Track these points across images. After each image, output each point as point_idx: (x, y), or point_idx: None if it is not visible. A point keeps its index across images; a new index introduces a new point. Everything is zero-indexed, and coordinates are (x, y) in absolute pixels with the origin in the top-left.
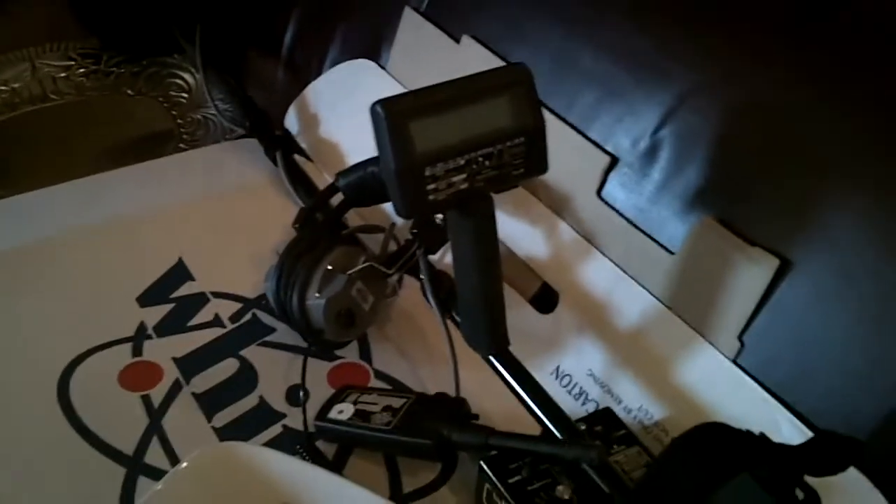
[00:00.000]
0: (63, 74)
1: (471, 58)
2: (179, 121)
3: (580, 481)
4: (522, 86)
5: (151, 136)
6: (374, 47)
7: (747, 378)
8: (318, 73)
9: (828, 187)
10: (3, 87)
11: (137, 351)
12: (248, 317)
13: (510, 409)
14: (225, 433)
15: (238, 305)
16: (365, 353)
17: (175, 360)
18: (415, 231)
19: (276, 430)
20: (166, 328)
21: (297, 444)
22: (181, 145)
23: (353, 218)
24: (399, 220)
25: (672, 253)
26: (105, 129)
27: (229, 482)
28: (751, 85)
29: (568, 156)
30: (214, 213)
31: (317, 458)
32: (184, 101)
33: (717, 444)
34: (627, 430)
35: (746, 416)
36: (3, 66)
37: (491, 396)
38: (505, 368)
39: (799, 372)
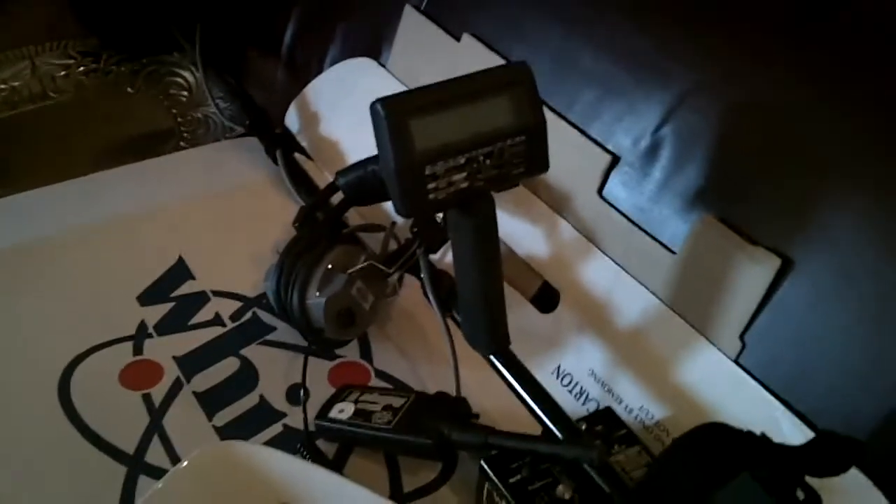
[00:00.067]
0: (63, 73)
1: (471, 56)
2: (179, 119)
3: (581, 481)
4: (523, 84)
5: (151, 135)
6: (374, 46)
7: (748, 378)
8: (319, 72)
9: (828, 187)
10: (2, 86)
11: (138, 350)
12: (248, 316)
13: (511, 409)
14: (225, 432)
15: (238, 304)
16: (365, 353)
17: (176, 358)
18: (415, 230)
19: (276, 429)
20: (167, 327)
21: (297, 443)
22: (181, 144)
23: (354, 217)
24: (399, 219)
25: (673, 252)
26: (105, 128)
27: (230, 481)
28: (751, 85)
29: (569, 154)
30: (215, 212)
31: (317, 458)
32: (184, 99)
33: (717, 444)
34: (628, 430)
35: (747, 416)
36: (3, 65)
37: (491, 396)
38: (505, 368)
39: (799, 371)
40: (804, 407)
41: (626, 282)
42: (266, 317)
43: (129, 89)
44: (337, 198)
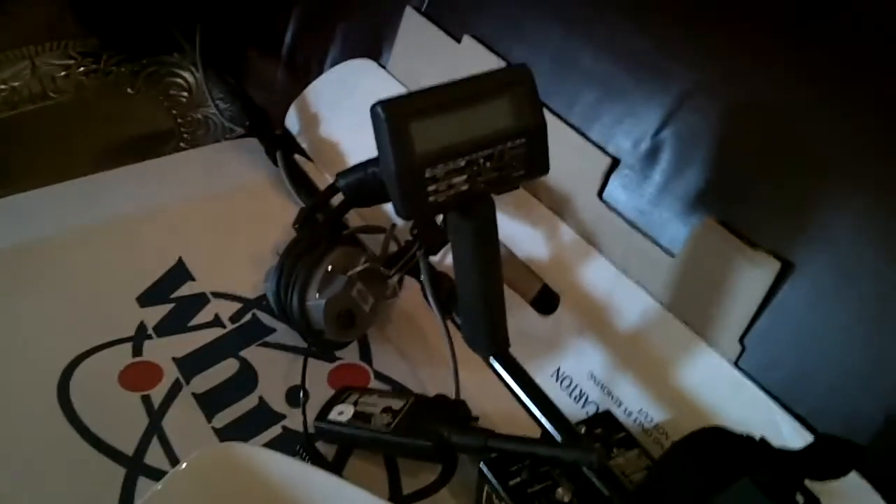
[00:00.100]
0: (63, 73)
1: (471, 58)
2: (179, 120)
3: (580, 484)
4: (523, 86)
5: (151, 136)
6: (374, 47)
7: (748, 381)
8: (319, 73)
9: (828, 187)
10: (2, 86)
11: (137, 351)
12: (248, 317)
13: (510, 411)
14: (225, 434)
15: (238, 305)
16: (365, 354)
17: (175, 360)
18: (415, 232)
19: (275, 430)
20: (166, 328)
21: (296, 444)
22: (181, 144)
23: (354, 218)
24: (399, 221)
25: (673, 255)
26: (105, 129)
27: (229, 483)
28: (751, 85)
29: (569, 157)
30: (214, 213)
31: (316, 459)
32: (184, 100)
33: (717, 448)
34: (627, 433)
35: (747, 420)
36: (3, 65)
37: (491, 398)
38: (505, 370)
39: (799, 373)
40: (804, 408)
41: (626, 285)
42: (266, 318)
43: (129, 90)
44: (337, 199)
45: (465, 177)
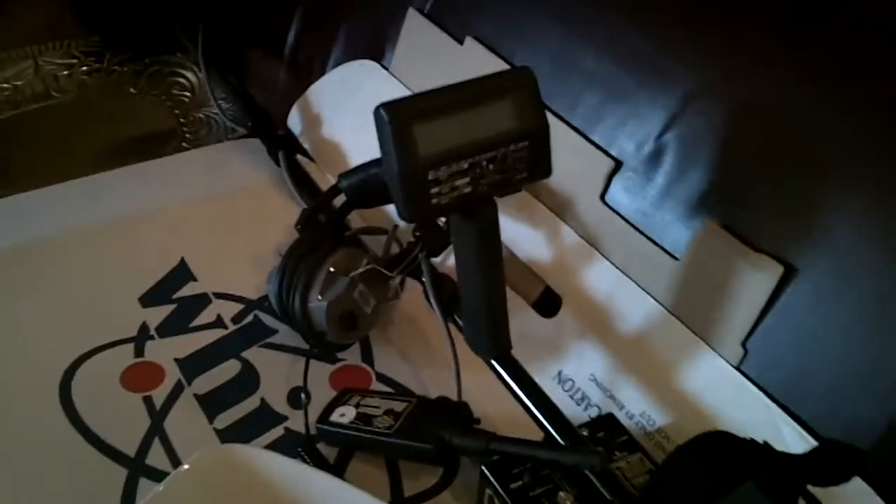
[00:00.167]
0: (66, 72)
1: (474, 60)
2: (182, 120)
3: (582, 487)
4: (526, 89)
5: (154, 135)
6: (377, 47)
7: (750, 385)
8: (321, 73)
9: (828, 188)
10: (5, 85)
11: (139, 351)
12: (249, 318)
13: (512, 414)
14: (226, 435)
15: (240, 306)
16: (367, 356)
17: (177, 360)
18: (417, 234)
19: (277, 432)
20: (168, 329)
21: (298, 446)
22: (183, 144)
23: (356, 219)
24: (401, 223)
25: (676, 258)
26: (107, 128)
27: (230, 484)
28: (751, 85)
29: (571, 159)
30: (216, 214)
31: (318, 461)
32: (186, 100)
33: (721, 452)
34: (630, 437)
35: (749, 423)
36: (6, 64)
37: (493, 400)
38: (507, 372)
39: (800, 374)
40: (805, 409)
41: (629, 287)
42: (268, 319)
43: (131, 89)
44: (339, 200)
45: (467, 179)
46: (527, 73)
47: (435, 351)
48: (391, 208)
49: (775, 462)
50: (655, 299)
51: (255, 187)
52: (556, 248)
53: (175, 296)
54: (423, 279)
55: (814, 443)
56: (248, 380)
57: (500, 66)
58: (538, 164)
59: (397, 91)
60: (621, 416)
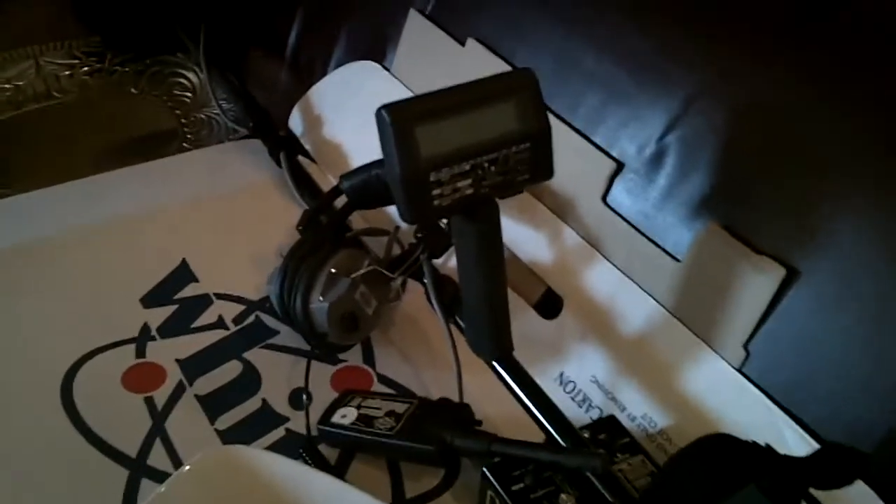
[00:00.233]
0: (67, 72)
1: (475, 61)
2: (183, 120)
3: (584, 489)
4: (528, 91)
5: (155, 136)
6: (378, 48)
7: (752, 387)
8: (323, 74)
9: (828, 187)
10: (6, 85)
11: (141, 352)
12: (251, 319)
13: (514, 415)
14: (228, 436)
15: (241, 307)
16: (368, 357)
17: (178, 361)
18: (419, 235)
19: (278, 433)
20: (170, 329)
21: (299, 447)
22: (184, 145)
23: (357, 220)
24: (403, 224)
25: (677, 260)
26: (108, 129)
27: (232, 485)
28: (751, 85)
29: (573, 160)
30: (218, 214)
31: (319, 463)
32: (187, 100)
33: (722, 455)
34: (631, 439)
35: (751, 425)
36: (7, 64)
37: (494, 402)
38: (508, 374)
39: (802, 377)
40: (807, 412)
41: (630, 289)
42: (269, 320)
43: (132, 90)
44: (340, 201)
45: (469, 181)
46: (528, 75)
47: (436, 352)
48: (393, 209)
49: (777, 465)
50: (657, 301)
51: (257, 188)
52: (557, 249)
53: (176, 296)
54: (425, 280)
55: (816, 445)
56: (249, 381)
57: (501, 67)
58: (540, 165)
59: (398, 92)
60: (623, 418)
